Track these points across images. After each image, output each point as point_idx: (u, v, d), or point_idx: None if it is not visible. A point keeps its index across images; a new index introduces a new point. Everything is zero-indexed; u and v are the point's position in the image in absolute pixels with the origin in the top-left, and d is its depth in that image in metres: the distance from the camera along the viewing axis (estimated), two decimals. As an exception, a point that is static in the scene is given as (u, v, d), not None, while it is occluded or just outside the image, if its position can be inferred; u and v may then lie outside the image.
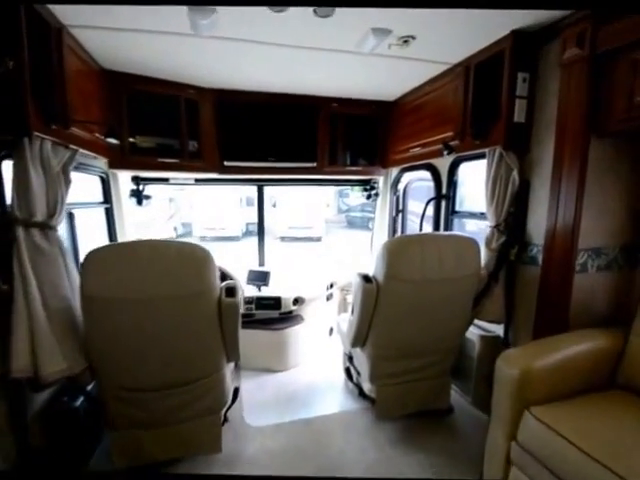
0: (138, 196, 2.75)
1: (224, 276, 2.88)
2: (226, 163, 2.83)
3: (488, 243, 2.08)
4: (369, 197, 3.47)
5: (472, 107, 2.10)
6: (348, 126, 3.07)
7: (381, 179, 3.47)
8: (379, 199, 3.55)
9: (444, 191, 2.71)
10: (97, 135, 1.99)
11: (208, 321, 1.58)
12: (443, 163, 2.67)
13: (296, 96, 2.86)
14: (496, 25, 1.73)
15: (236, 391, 2.08)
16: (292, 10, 1.59)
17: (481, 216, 2.36)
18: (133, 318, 1.47)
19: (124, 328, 1.48)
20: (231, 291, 1.64)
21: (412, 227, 3.49)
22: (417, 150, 2.69)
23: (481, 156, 2.15)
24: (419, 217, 2.83)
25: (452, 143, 2.24)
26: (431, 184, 2.84)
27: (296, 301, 3.01)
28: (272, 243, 13.25)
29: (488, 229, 2.09)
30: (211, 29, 1.74)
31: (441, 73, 2.35)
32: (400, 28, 1.78)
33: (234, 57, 2.13)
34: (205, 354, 1.67)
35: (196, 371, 1.67)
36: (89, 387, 1.80)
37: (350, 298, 3.60)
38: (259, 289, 3.04)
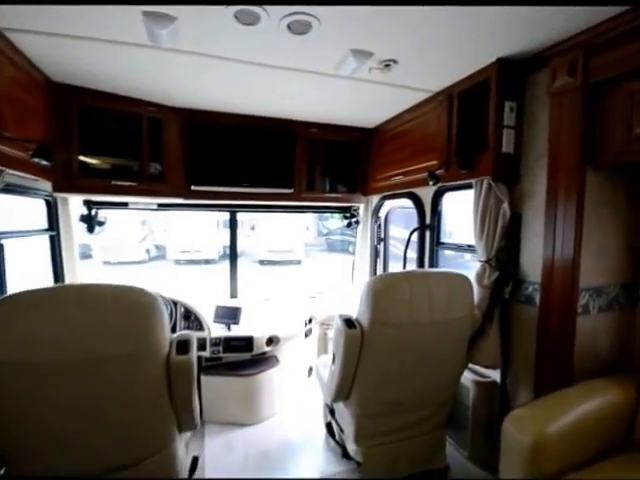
0: (89, 222, 2.41)
1: (188, 314, 2.55)
2: (193, 187, 2.55)
3: (480, 279, 1.88)
4: (349, 225, 3.27)
5: (457, 136, 1.96)
6: (327, 152, 2.89)
7: (362, 206, 3.28)
8: (360, 227, 3.35)
9: (428, 221, 2.53)
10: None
11: (153, 385, 1.27)
12: (426, 192, 2.51)
13: (272, 119, 2.66)
14: (481, 52, 1.62)
15: (195, 462, 1.72)
16: (264, 24, 1.39)
17: (469, 249, 2.18)
18: (54, 387, 1.13)
19: (43, 402, 1.14)
20: (184, 345, 1.34)
21: (395, 254, 3.29)
22: (399, 178, 2.53)
23: (467, 186, 1.99)
24: (402, 243, 2.63)
25: (437, 172, 2.07)
26: (414, 210, 2.67)
27: (270, 341, 2.67)
28: (250, 266, 12.88)
29: (478, 264, 1.90)
30: (172, 40, 1.52)
31: (423, 100, 2.23)
32: (382, 51, 1.63)
33: (201, 74, 1.91)
34: (149, 428, 1.33)
35: (138, 450, 1.32)
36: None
37: (331, 333, 3.32)
38: (228, 328, 2.69)
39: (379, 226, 3.25)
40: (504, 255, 1.83)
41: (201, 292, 3.38)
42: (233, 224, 3.06)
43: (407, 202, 2.77)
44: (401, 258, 2.69)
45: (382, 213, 3.24)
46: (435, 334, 1.70)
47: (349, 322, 1.70)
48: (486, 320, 1.87)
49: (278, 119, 2.67)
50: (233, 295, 3.21)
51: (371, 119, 2.74)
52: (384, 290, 1.64)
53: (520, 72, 1.68)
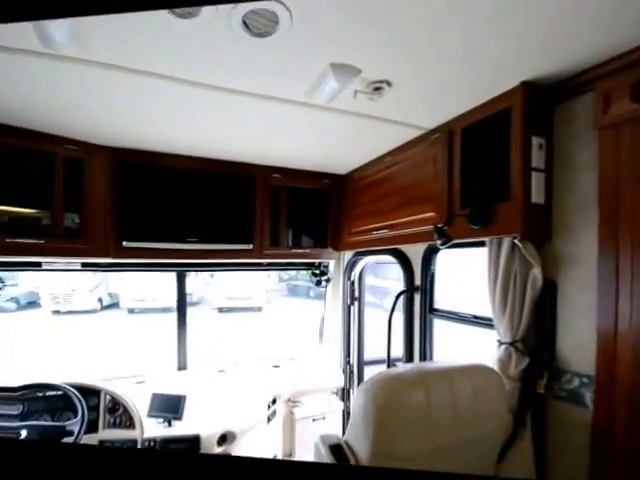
0: None
1: (115, 405, 1.86)
2: (126, 244, 1.90)
3: (504, 368, 1.38)
4: (319, 283, 2.71)
5: (461, 182, 1.54)
6: (293, 201, 2.38)
7: (332, 262, 2.76)
8: (330, 284, 2.80)
9: (417, 282, 2.05)
10: None
11: None
12: (416, 249, 2.06)
13: (226, 162, 2.14)
14: (501, 73, 1.22)
15: None
16: (207, 16, 0.89)
17: (476, 321, 1.70)
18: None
19: None
20: None
21: (369, 318, 2.75)
22: (381, 233, 2.06)
23: (472, 244, 1.56)
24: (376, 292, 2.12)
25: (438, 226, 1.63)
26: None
27: (223, 439, 1.97)
28: (209, 315, 11.69)
29: (501, 348, 1.40)
30: (75, 44, 0.99)
31: (413, 140, 1.83)
32: (373, 68, 1.19)
33: (132, 101, 1.38)
34: None
35: None
36: None
37: (299, 412, 2.61)
38: (169, 423, 1.96)
39: (352, 283, 2.74)
40: (535, 336, 1.35)
41: (142, 361, 2.62)
42: (180, 286, 2.37)
43: (387, 257, 2.31)
44: (376, 314, 2.17)
45: (356, 269, 2.75)
46: (459, 458, 1.14)
47: (338, 452, 1.10)
48: (517, 424, 1.34)
49: (233, 162, 2.16)
50: (181, 366, 2.46)
51: (345, 163, 2.31)
52: (390, 402, 1.08)
53: (548, 100, 1.30)
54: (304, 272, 3.04)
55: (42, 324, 9.37)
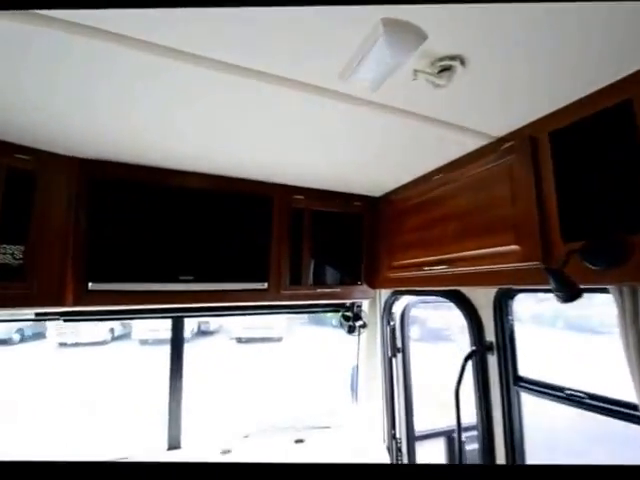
0: None
1: None
2: (93, 286, 1.41)
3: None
4: (352, 330, 2.16)
5: (559, 203, 1.03)
6: (318, 228, 1.90)
7: (365, 303, 2.23)
8: (365, 331, 2.25)
9: (492, 339, 1.49)
10: None
11: None
12: (482, 292, 1.52)
13: (235, 180, 1.70)
14: (624, 52, 0.77)
15: None
16: None
17: (595, 404, 1.12)
18: None
19: None
20: None
21: (420, 378, 2.16)
22: (437, 270, 1.52)
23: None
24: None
25: (527, 264, 1.10)
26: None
27: None
28: (227, 345, 11.19)
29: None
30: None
31: (474, 152, 1.36)
32: (443, 34, 0.74)
33: (113, 89, 0.96)
34: None
35: None
36: None
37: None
38: None
39: (393, 330, 2.18)
40: None
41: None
42: (176, 336, 1.88)
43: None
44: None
45: (396, 310, 2.20)
46: None
47: None
48: None
49: (245, 180, 1.71)
50: (173, 444, 1.92)
51: (383, 181, 1.83)
52: None
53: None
54: (331, 317, 2.51)
55: (45, 360, 8.97)
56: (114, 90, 0.97)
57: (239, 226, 1.68)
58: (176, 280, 1.52)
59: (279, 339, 11.96)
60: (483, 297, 1.60)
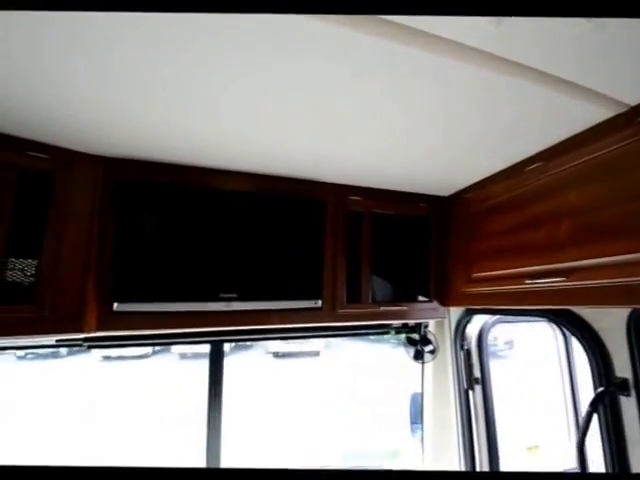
0: None
1: None
2: (118, 307, 1.19)
3: None
4: (419, 355, 1.81)
5: None
6: (379, 235, 1.61)
7: (432, 323, 1.88)
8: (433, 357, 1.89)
9: (627, 375, 1.09)
10: None
11: None
12: (605, 313, 1.13)
13: (282, 180, 1.46)
14: None
15: None
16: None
17: None
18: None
19: None
20: None
21: (504, 416, 1.76)
22: (540, 284, 1.16)
23: None
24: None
25: None
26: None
27: None
28: (263, 360, 11.00)
29: None
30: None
31: (590, 129, 1.01)
32: None
33: (147, 77, 0.77)
34: None
35: None
36: None
37: None
38: None
39: (468, 355, 1.80)
40: None
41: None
42: (215, 364, 1.64)
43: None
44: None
45: (471, 334, 1.82)
46: None
47: None
48: None
49: (293, 179, 1.47)
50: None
51: (455, 178, 1.50)
52: None
53: None
54: (389, 338, 2.19)
55: (91, 371, 9.29)
56: (151, 79, 0.77)
57: (287, 234, 1.42)
58: (216, 299, 1.28)
59: (316, 353, 11.59)
60: (605, 318, 1.21)
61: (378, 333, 1.92)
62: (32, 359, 10.04)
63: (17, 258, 1.05)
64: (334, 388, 8.21)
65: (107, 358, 10.54)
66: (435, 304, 1.69)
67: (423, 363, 1.83)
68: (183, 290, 1.25)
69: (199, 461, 1.71)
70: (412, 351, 1.79)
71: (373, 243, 1.58)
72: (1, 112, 0.95)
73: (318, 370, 9.86)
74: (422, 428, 1.97)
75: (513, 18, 0.63)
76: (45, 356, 10.27)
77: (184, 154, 1.25)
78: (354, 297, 1.52)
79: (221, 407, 1.68)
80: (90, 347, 1.33)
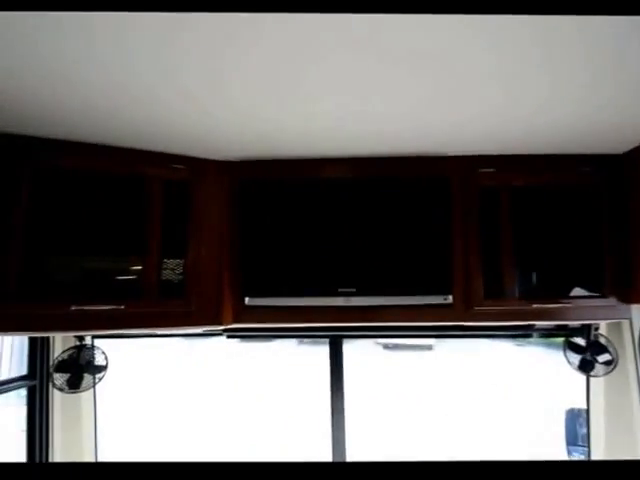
0: (74, 369, 1.27)
1: None
2: (249, 302, 1.23)
3: None
4: (587, 366, 1.39)
5: None
6: (524, 214, 1.27)
7: (603, 325, 1.42)
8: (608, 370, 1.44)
9: None
10: None
11: None
12: None
13: (397, 160, 1.28)
14: None
15: None
16: None
17: None
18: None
19: None
20: None
21: None
22: None
23: None
24: None
25: None
26: None
27: None
28: (373, 351, 10.88)
29: None
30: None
31: None
32: None
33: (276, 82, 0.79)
34: None
35: None
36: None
37: None
38: None
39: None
40: None
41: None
42: (336, 360, 1.58)
43: None
44: None
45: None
46: None
47: None
48: None
49: (410, 158, 1.27)
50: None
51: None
52: None
53: None
54: (538, 342, 1.79)
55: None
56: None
57: (408, 220, 1.24)
58: (335, 293, 1.19)
59: (428, 347, 10.89)
60: None
61: (518, 336, 1.57)
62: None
63: (168, 259, 1.18)
64: (449, 388, 7.52)
65: (387, 347, 10.62)
66: (612, 300, 1.26)
67: (592, 376, 1.40)
68: (304, 284, 1.23)
69: (325, 453, 1.69)
70: (576, 359, 1.38)
71: (515, 224, 1.26)
72: (149, 132, 1.07)
73: (430, 366, 9.21)
74: (588, 452, 1.54)
75: None
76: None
77: (296, 147, 1.22)
78: (494, 292, 1.24)
79: (343, 401, 1.63)
80: (229, 337, 1.46)
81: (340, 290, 1.19)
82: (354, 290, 1.19)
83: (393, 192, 1.25)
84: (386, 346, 11.24)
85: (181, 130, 1.07)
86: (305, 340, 11.71)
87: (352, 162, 1.29)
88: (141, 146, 1.16)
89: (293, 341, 11.92)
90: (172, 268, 1.18)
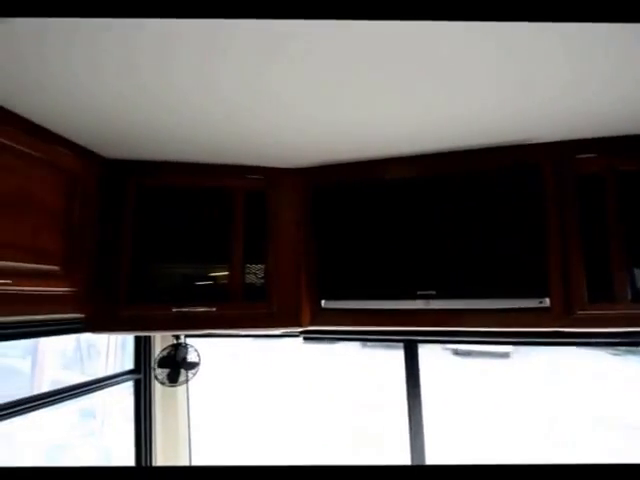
0: (172, 365, 1.42)
1: None
2: (326, 304, 1.26)
3: None
4: None
5: None
6: (634, 203, 1.10)
7: None
8: None
9: None
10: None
11: None
12: None
13: (477, 152, 1.19)
14: None
15: None
16: None
17: None
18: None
19: None
20: None
21: None
22: None
23: None
24: None
25: None
26: None
27: None
28: (441, 356, 10.25)
29: None
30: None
31: None
32: None
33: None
34: None
35: None
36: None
37: None
38: None
39: None
40: None
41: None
42: (411, 362, 1.53)
43: None
44: None
45: None
46: None
47: None
48: None
49: (492, 148, 1.17)
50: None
51: None
52: None
53: None
54: None
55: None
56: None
57: (491, 216, 1.14)
58: (414, 296, 1.15)
59: (505, 355, 9.89)
60: None
61: (623, 344, 1.36)
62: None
63: (251, 264, 1.27)
64: (528, 400, 6.68)
65: (457, 353, 10.43)
66: None
67: None
68: (381, 287, 1.21)
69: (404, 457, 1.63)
70: None
71: (625, 215, 1.09)
72: (227, 148, 1.17)
73: (506, 375, 8.32)
74: None
75: None
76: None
77: (365, 148, 1.21)
78: (601, 294, 1.08)
79: (421, 408, 1.56)
80: (305, 339, 1.48)
81: (419, 293, 1.14)
82: (434, 293, 1.14)
83: (475, 187, 1.17)
84: (456, 352, 10.51)
85: (255, 142, 1.14)
86: (369, 343, 11.52)
87: (424, 159, 1.24)
88: (222, 161, 1.27)
89: (356, 344, 11.80)
90: (254, 272, 1.26)
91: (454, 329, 1.25)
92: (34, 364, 3.57)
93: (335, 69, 0.77)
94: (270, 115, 0.97)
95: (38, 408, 1.16)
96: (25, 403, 1.12)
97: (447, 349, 10.74)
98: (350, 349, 11.24)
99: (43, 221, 0.94)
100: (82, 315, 1.10)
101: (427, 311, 1.17)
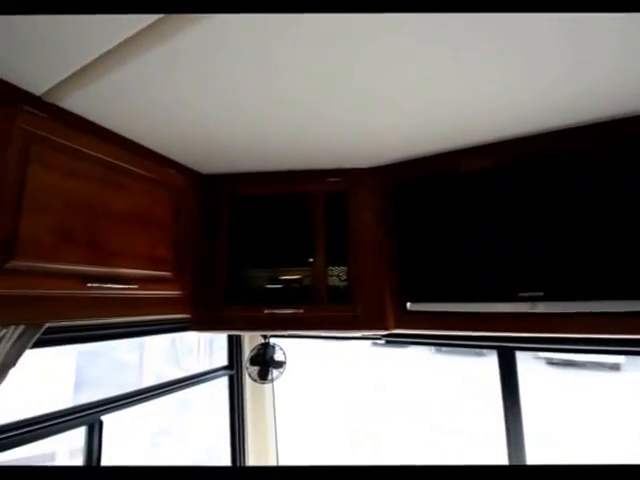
0: (262, 363, 1.53)
1: None
2: (411, 307, 1.22)
3: None
4: None
5: None
6: None
7: None
8: None
9: None
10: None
11: None
12: None
13: (575, 131, 1.05)
14: None
15: None
16: None
17: None
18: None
19: None
20: None
21: None
22: None
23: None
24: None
25: None
26: None
27: None
28: (532, 366, 9.25)
29: None
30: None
31: None
32: None
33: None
34: None
35: None
36: None
37: None
38: None
39: None
40: None
41: None
42: (508, 374, 1.41)
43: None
44: None
45: None
46: None
47: None
48: None
49: (594, 125, 1.03)
50: None
51: None
52: None
53: None
54: None
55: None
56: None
57: (606, 201, 1.00)
58: (515, 298, 1.05)
59: (614, 367, 8.50)
60: None
61: None
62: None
63: (333, 266, 1.30)
64: None
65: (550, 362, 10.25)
66: None
67: None
68: (472, 289, 1.13)
69: None
70: None
71: None
72: (307, 155, 1.24)
73: (616, 392, 7.12)
74: None
75: None
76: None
77: (440, 140, 1.16)
78: None
79: (521, 424, 1.42)
80: (388, 342, 1.47)
81: (521, 295, 1.04)
82: (541, 294, 1.02)
83: (582, 167, 1.03)
84: (550, 362, 9.36)
85: (333, 147, 1.18)
86: (443, 349, 10.86)
87: (518, 142, 1.12)
88: (302, 167, 1.33)
89: (430, 349, 11.24)
90: (337, 275, 1.29)
91: (558, 335, 1.12)
92: (141, 358, 4.16)
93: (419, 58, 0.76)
94: (339, 122, 1.01)
95: (147, 400, 1.36)
96: (136, 395, 1.31)
97: (539, 358, 9.62)
98: (422, 353, 10.74)
99: (159, 234, 1.11)
100: (189, 315, 1.25)
101: (528, 315, 1.06)
